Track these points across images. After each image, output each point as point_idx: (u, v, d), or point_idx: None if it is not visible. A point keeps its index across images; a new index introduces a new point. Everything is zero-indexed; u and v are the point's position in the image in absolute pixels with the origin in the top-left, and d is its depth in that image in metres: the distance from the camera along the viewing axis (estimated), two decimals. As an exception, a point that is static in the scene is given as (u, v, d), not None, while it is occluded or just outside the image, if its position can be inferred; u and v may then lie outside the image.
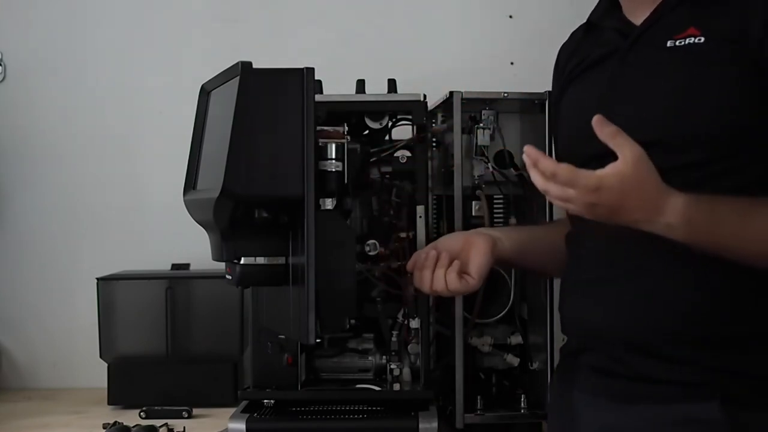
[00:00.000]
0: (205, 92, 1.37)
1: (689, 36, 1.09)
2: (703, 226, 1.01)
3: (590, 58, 1.24)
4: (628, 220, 1.02)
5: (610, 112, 1.11)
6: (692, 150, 1.06)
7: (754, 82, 1.05)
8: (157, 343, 1.86)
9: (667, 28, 1.13)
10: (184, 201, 1.33)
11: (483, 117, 1.64)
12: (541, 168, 1.00)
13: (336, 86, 1.60)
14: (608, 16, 1.25)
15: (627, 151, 0.98)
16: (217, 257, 1.30)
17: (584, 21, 1.32)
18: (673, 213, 1.00)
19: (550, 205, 1.56)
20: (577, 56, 1.28)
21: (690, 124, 1.07)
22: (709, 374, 1.05)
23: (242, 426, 1.45)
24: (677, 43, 1.10)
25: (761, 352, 1.06)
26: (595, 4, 1.31)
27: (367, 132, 1.64)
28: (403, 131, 1.67)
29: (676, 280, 1.08)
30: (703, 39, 1.08)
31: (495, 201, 1.65)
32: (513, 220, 1.64)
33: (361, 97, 1.64)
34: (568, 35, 1.38)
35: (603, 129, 0.99)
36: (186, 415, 1.72)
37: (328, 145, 1.37)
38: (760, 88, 1.05)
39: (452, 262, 1.26)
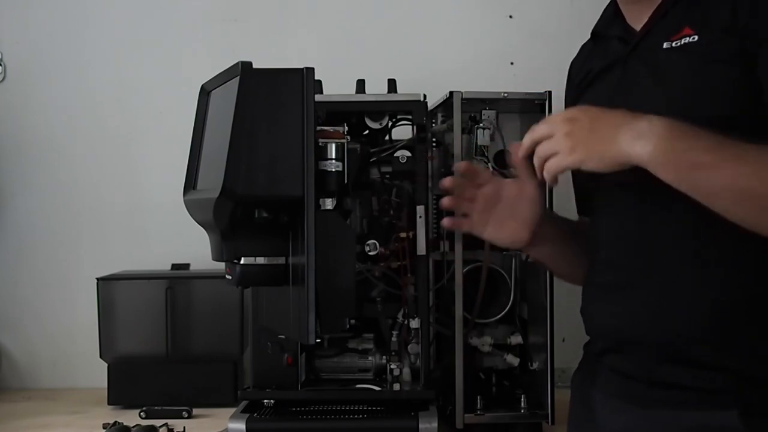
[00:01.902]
0: (205, 92, 1.37)
1: (684, 36, 1.09)
2: (682, 133, 0.99)
3: (596, 69, 1.25)
4: (609, 127, 1.01)
5: None
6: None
7: (748, 72, 1.03)
8: (157, 343, 1.86)
9: (664, 30, 1.13)
10: (184, 201, 1.33)
11: (483, 117, 1.65)
12: (528, 142, 1.09)
13: (336, 86, 1.60)
14: (612, 24, 1.25)
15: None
16: (217, 257, 1.30)
17: (583, 22, 1.32)
18: (654, 116, 1.00)
19: (550, 205, 1.56)
20: (585, 68, 1.29)
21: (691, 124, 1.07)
22: (727, 381, 1.04)
23: (242, 426, 1.46)
24: (674, 45, 1.10)
25: None
26: (596, 6, 1.30)
27: (367, 132, 1.64)
28: (403, 131, 1.67)
29: (692, 283, 1.07)
30: (697, 37, 1.08)
31: (495, 201, 1.65)
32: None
33: (361, 97, 1.64)
34: (568, 35, 1.38)
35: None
36: (186, 415, 1.72)
37: (328, 145, 1.37)
38: (753, 76, 1.03)
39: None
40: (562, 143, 1.04)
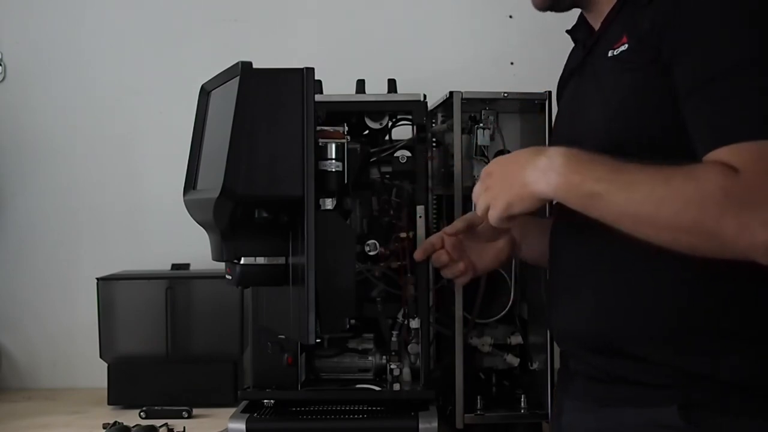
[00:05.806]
0: (205, 92, 1.37)
1: (621, 44, 1.10)
2: (578, 165, 1.02)
3: (566, 73, 1.28)
4: (516, 172, 1.06)
5: (574, 126, 1.17)
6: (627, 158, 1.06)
7: (667, 85, 1.02)
8: (157, 343, 1.86)
9: (609, 38, 1.13)
10: (184, 201, 1.33)
11: (483, 117, 1.65)
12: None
13: (336, 86, 1.60)
14: (579, 28, 1.27)
15: None
16: (217, 257, 1.30)
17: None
18: (554, 150, 1.04)
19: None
20: (565, 67, 1.30)
21: (622, 133, 1.07)
22: (673, 377, 1.05)
23: (242, 426, 1.46)
24: (615, 53, 1.11)
25: (723, 356, 1.04)
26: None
27: (367, 132, 1.64)
28: (403, 131, 1.67)
29: (637, 283, 1.08)
30: (627, 46, 1.08)
31: (495, 201, 1.65)
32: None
33: (361, 97, 1.64)
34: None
35: None
36: (186, 415, 1.72)
37: (328, 145, 1.37)
38: (669, 88, 1.02)
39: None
40: (485, 198, 1.11)
